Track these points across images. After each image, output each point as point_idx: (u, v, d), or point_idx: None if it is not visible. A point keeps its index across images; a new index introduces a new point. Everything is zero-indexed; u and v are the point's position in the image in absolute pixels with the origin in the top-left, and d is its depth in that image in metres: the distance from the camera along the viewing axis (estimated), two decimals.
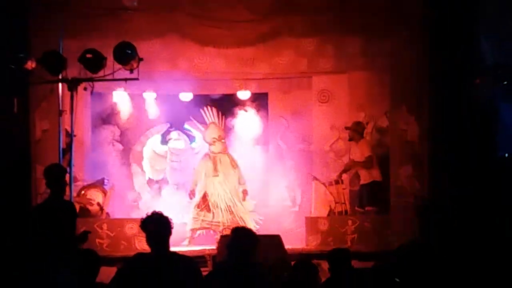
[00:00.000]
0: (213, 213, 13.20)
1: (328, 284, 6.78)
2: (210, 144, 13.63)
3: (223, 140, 13.68)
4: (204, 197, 13.33)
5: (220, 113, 13.85)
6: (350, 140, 13.34)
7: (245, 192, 13.45)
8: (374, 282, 6.31)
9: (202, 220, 13.17)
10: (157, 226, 6.14)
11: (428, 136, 10.96)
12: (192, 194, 13.42)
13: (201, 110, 13.83)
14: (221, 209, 13.19)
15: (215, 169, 13.39)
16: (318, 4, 11.32)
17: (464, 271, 6.13)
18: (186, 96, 14.45)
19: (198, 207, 13.28)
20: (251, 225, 12.58)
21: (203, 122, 13.84)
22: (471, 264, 6.35)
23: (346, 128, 13.40)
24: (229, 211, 13.18)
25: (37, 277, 6.80)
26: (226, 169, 13.45)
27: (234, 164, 13.53)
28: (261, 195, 14.20)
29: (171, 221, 6.23)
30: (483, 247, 8.06)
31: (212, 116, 13.74)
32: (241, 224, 12.57)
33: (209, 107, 13.86)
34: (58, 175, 7.98)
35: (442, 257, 6.08)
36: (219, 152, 13.55)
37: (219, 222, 13.11)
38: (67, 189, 8.36)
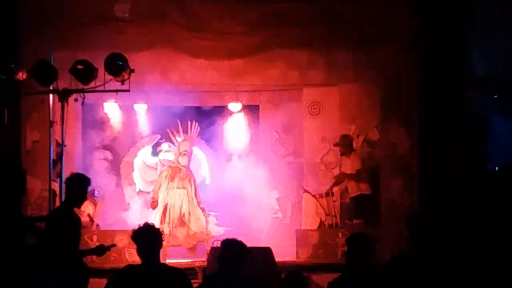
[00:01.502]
0: (176, 226, 13.13)
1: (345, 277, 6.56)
2: (180, 156, 13.56)
3: (189, 155, 13.65)
4: (166, 209, 13.25)
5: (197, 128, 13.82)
6: (342, 155, 13.34)
7: (203, 210, 13.38)
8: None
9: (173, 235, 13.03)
10: (148, 237, 6.14)
11: (419, 149, 10.97)
12: (154, 203, 13.30)
13: (189, 122, 13.76)
14: (186, 220, 13.16)
15: (181, 181, 13.38)
16: (309, 16, 11.32)
17: (457, 281, 6.14)
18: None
19: (161, 222, 13.07)
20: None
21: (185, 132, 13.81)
22: (464, 274, 6.36)
23: (335, 145, 13.44)
24: (188, 224, 13.14)
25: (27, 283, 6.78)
26: (186, 183, 13.40)
27: (192, 181, 13.48)
28: (251, 207, 14.19)
29: (163, 232, 6.25)
30: (474, 258, 8.08)
31: (193, 130, 13.70)
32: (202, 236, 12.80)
33: (193, 121, 13.81)
34: (77, 184, 7.83)
35: (433, 268, 6.09)
36: (184, 166, 13.52)
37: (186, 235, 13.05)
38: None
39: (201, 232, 13.10)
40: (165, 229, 12.77)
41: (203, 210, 13.36)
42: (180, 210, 13.24)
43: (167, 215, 13.21)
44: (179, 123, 13.74)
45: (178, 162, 13.59)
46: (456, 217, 9.69)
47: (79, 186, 7.78)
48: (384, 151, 11.96)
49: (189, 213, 13.23)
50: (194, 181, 13.55)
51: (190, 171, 13.62)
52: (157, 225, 12.36)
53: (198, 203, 13.38)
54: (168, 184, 13.43)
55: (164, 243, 6.23)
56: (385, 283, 6.19)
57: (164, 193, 13.40)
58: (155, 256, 6.12)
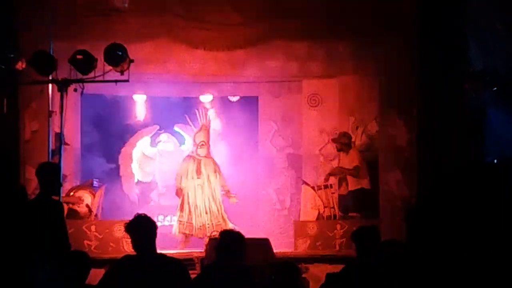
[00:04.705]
0: (192, 215, 13.00)
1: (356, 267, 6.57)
2: (198, 147, 13.38)
3: (207, 144, 13.49)
4: (184, 199, 13.15)
5: (209, 117, 13.76)
6: (339, 151, 13.31)
7: (228, 192, 13.23)
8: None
9: (187, 223, 13.03)
10: (141, 229, 6.13)
11: (417, 141, 10.97)
12: (178, 192, 13.20)
13: (196, 111, 13.66)
14: (200, 211, 13.06)
15: (198, 172, 13.21)
16: (309, 8, 11.31)
17: (450, 274, 6.15)
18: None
19: (181, 210, 13.08)
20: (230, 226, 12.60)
21: (194, 124, 13.82)
22: (458, 267, 6.37)
23: (333, 140, 13.42)
24: (208, 213, 13.05)
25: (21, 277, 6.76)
26: (209, 174, 13.24)
27: (217, 170, 13.32)
28: (250, 199, 14.20)
29: (155, 222, 6.24)
30: (471, 250, 8.08)
31: (204, 119, 13.62)
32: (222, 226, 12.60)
33: (203, 109, 13.77)
34: (48, 173, 7.80)
35: (428, 259, 6.10)
36: (204, 156, 13.32)
37: (201, 226, 12.97)
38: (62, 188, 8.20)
39: (217, 225, 12.95)
40: (184, 217, 12.91)
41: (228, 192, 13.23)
42: (195, 200, 13.09)
43: (185, 204, 13.07)
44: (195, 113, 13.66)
45: (197, 154, 13.33)
46: (454, 209, 9.68)
47: (52, 174, 7.73)
48: (383, 143, 11.94)
49: (204, 204, 13.13)
50: (218, 171, 13.34)
51: (212, 161, 13.41)
52: (177, 213, 12.76)
53: (223, 192, 13.23)
54: (187, 175, 13.24)
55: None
56: (383, 275, 6.21)
57: (184, 183, 13.21)
58: (151, 247, 6.12)
